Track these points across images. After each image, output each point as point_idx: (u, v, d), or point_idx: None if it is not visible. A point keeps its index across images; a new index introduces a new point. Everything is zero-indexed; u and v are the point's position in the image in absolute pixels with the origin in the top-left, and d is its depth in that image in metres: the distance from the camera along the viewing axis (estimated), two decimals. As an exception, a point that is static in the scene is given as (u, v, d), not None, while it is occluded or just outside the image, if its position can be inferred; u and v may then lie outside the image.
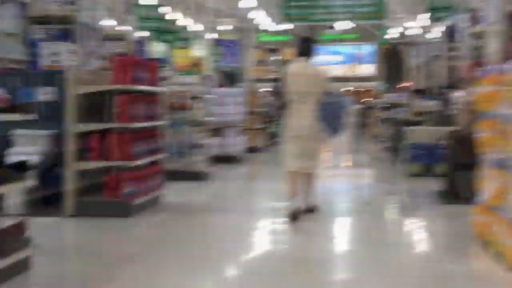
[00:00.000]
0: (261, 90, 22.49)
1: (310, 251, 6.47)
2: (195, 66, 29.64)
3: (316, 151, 7.91)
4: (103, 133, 7.59)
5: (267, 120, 19.75)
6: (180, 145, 10.78)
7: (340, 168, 15.00)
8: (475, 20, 14.49)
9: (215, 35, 33.67)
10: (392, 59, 39.39)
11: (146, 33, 22.27)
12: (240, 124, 15.10)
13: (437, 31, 19.93)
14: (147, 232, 7.37)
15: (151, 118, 8.18)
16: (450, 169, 9.43)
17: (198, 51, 30.17)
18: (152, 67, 8.27)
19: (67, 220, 7.59)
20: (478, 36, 13.51)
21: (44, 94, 7.79)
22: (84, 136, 7.62)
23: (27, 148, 7.57)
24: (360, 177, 13.55)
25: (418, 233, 7.61)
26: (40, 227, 7.14)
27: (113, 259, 6.09)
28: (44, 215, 7.55)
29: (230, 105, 14.50)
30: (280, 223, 7.92)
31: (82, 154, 7.61)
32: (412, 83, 26.17)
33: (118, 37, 13.25)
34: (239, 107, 14.87)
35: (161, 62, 17.52)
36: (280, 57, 40.47)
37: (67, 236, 7.38)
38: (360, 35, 39.92)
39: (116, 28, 22.37)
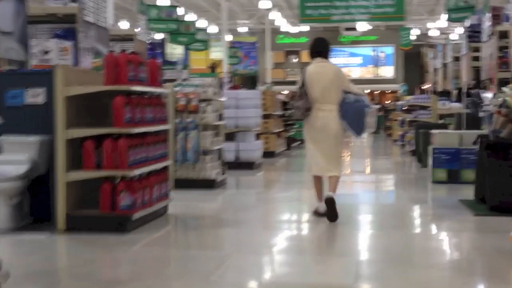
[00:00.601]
0: (280, 92, 21.79)
1: (331, 275, 5.64)
2: (212, 69, 29.16)
3: (338, 153, 7.84)
4: (98, 139, 6.84)
5: (286, 124, 19.07)
6: (189, 150, 10.02)
7: (361, 174, 14.19)
8: (498, 19, 13.90)
9: (233, 37, 33.16)
10: (413, 60, 38.70)
11: (162, 35, 21.79)
12: (256, 128, 14.36)
13: (459, 31, 19.40)
14: (147, 251, 6.54)
15: (153, 122, 7.40)
16: (479, 176, 8.68)
17: (215, 53, 29.60)
18: (152, 67, 7.47)
19: (57, 236, 6.81)
20: (503, 35, 12.91)
21: (33, 96, 7.11)
22: (76, 142, 6.88)
23: (15, 156, 6.88)
24: (382, 184, 12.77)
25: (450, 250, 6.78)
26: (26, 245, 6.48)
27: (107, 284, 5.34)
28: (33, 231, 6.87)
29: (246, 108, 13.76)
30: (298, 240, 7.22)
31: (75, 162, 6.88)
32: (434, 85, 25.51)
33: (128, 38, 12.64)
34: (255, 110, 14.11)
35: (174, 64, 16.95)
36: (299, 59, 39.82)
37: (56, 255, 6.57)
38: (379, 37, 39.31)
39: (129, 29, 21.87)
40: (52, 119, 6.80)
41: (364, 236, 7.36)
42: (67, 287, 5.43)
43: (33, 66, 7.69)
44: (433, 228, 7.87)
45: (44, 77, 7.01)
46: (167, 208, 7.98)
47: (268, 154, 15.76)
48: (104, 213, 6.81)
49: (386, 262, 6.04)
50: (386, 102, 36.29)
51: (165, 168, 7.86)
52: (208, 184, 10.28)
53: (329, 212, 7.42)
